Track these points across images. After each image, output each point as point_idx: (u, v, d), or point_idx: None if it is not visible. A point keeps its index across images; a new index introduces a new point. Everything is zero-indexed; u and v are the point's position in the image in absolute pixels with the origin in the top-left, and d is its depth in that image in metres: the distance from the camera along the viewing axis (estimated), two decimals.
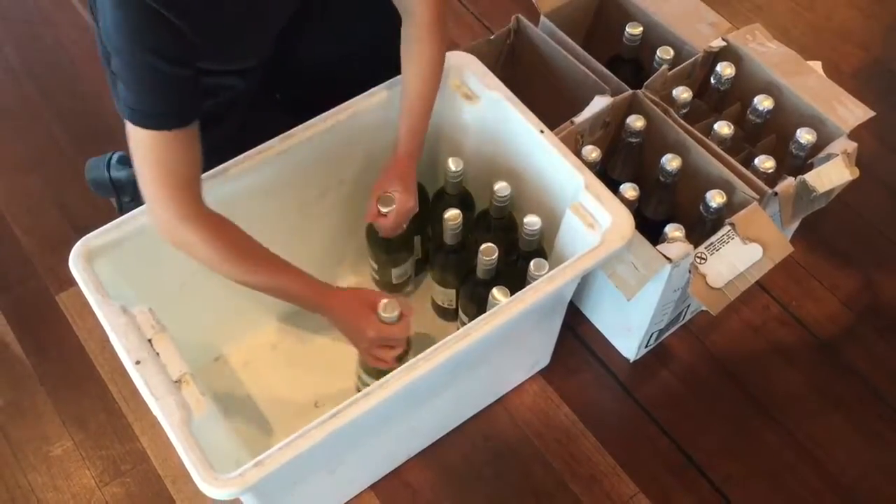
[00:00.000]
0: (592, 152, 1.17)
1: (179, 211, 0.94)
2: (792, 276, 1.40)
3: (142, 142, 0.91)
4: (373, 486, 1.21)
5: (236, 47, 1.07)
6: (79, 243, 1.00)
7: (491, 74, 1.14)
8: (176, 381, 0.92)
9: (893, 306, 1.39)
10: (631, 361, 1.32)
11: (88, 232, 1.44)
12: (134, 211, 1.03)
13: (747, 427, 1.28)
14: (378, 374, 1.04)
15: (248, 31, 1.05)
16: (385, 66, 1.13)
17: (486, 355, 1.09)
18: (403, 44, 1.09)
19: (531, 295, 0.97)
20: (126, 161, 1.39)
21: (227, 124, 1.18)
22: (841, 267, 1.43)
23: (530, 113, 1.11)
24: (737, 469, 1.24)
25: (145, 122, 0.90)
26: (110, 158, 1.39)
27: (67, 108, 1.63)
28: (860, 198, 1.41)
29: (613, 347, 1.33)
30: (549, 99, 1.26)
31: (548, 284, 0.98)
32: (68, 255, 1.42)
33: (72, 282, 1.38)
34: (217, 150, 1.08)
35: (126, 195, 1.40)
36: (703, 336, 1.35)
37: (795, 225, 1.30)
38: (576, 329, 1.35)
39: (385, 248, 1.21)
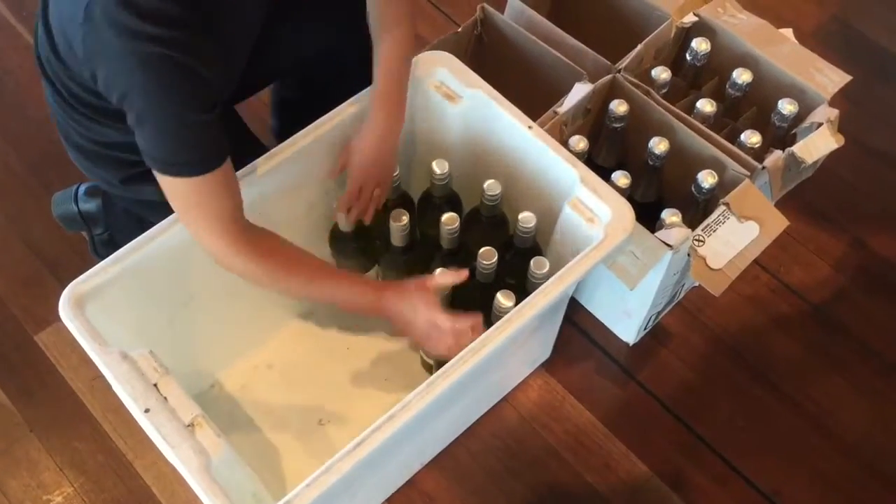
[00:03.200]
0: (580, 142, 1.16)
1: (230, 248, 0.93)
2: (778, 244, 1.39)
3: (180, 190, 0.90)
4: (389, 500, 1.19)
5: (234, 69, 1.04)
6: (66, 291, 0.95)
7: (470, 72, 1.12)
8: (188, 426, 0.89)
9: (879, 264, 1.41)
10: (630, 345, 1.32)
11: (59, 265, 1.41)
12: (117, 253, 0.99)
13: (750, 397, 1.29)
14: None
15: (241, 49, 1.02)
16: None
17: (498, 361, 1.07)
18: (372, 12, 1.05)
19: (542, 298, 0.96)
20: (94, 192, 1.33)
21: None
22: (825, 230, 1.44)
23: (516, 109, 1.09)
24: (745, 441, 1.26)
25: (183, 171, 0.88)
26: (77, 190, 1.34)
27: (19, 135, 1.56)
28: (836, 158, 1.41)
29: (612, 333, 1.33)
30: (522, 88, 1.23)
31: (558, 285, 0.97)
32: (42, 292, 1.39)
33: (49, 320, 1.35)
34: None
35: (98, 227, 1.34)
36: (697, 312, 1.36)
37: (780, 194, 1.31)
38: (572, 318, 1.34)
39: (402, 266, 1.18)
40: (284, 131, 1.14)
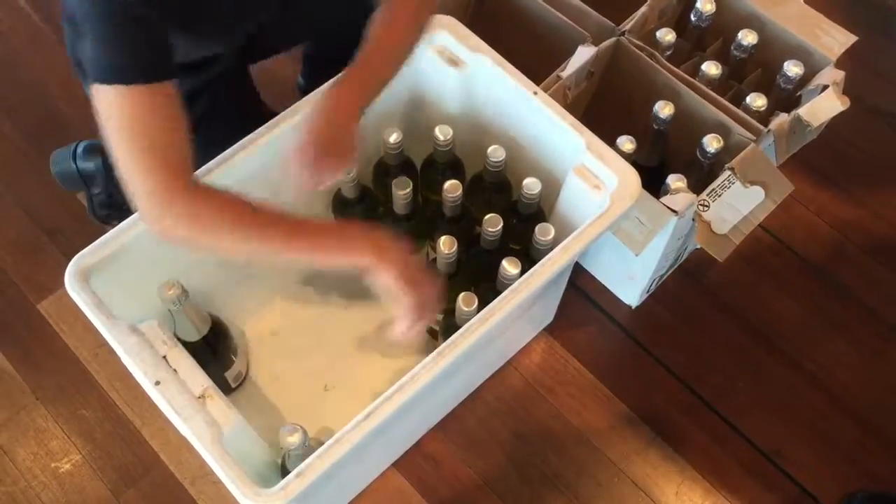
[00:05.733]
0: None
1: (167, 188, 0.82)
2: (780, 205, 1.39)
3: (113, 105, 0.81)
4: (395, 464, 1.21)
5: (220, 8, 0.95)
6: (72, 264, 0.95)
7: (475, 36, 1.10)
8: (199, 398, 0.89)
9: (879, 225, 1.41)
10: (633, 308, 1.33)
11: (57, 232, 1.40)
12: (121, 224, 0.98)
13: (752, 359, 1.30)
14: (445, 310, 1.04)
15: None
16: None
17: (504, 328, 1.08)
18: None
19: (548, 267, 0.96)
20: (93, 150, 1.33)
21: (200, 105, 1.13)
22: (825, 190, 1.44)
23: (521, 74, 1.07)
24: (746, 401, 1.27)
25: (115, 76, 0.79)
26: (76, 148, 1.33)
27: (14, 101, 1.54)
28: (839, 118, 1.41)
29: (614, 296, 1.34)
30: (524, 50, 1.22)
31: (564, 254, 0.97)
32: (42, 260, 1.38)
33: (51, 289, 1.35)
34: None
35: (95, 187, 1.34)
36: (699, 274, 1.36)
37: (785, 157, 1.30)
38: (575, 281, 1.34)
39: (404, 233, 1.17)
40: (311, 90, 1.10)
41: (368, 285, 0.91)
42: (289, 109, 1.06)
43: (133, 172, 0.83)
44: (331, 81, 0.99)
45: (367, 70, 0.98)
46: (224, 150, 1.02)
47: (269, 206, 0.89)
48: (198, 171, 1.00)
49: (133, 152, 0.82)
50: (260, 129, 1.04)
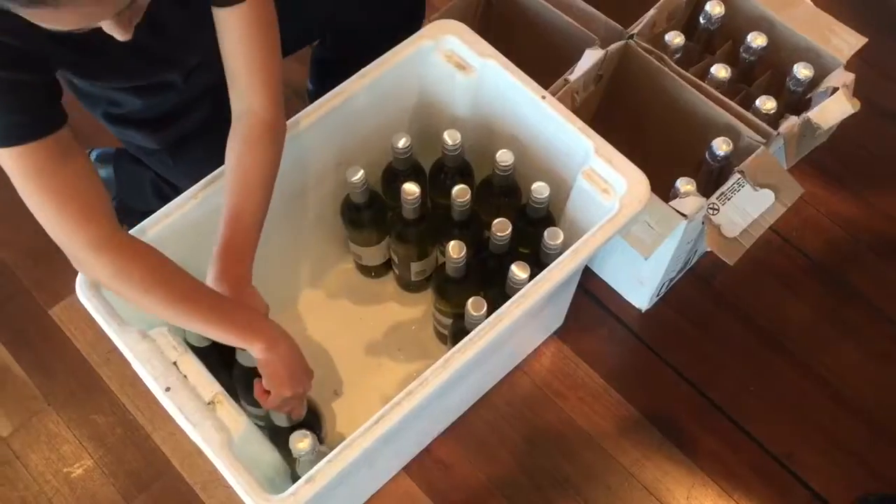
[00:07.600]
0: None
1: (93, 237, 0.84)
2: (791, 207, 1.38)
3: (13, 166, 0.80)
4: (405, 469, 1.21)
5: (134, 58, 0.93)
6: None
7: (483, 41, 1.10)
8: (209, 403, 0.89)
9: (890, 226, 1.41)
10: (643, 312, 1.33)
11: None
12: (131, 232, 0.98)
13: (763, 363, 1.30)
14: (455, 315, 1.07)
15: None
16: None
17: (513, 333, 1.08)
18: (231, 149, 0.94)
19: (557, 272, 0.96)
20: (107, 158, 1.33)
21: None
22: (835, 192, 1.43)
23: (529, 79, 1.07)
24: (757, 406, 1.26)
25: (13, 138, 0.78)
26: (89, 155, 1.34)
27: None
28: (849, 120, 1.40)
29: (624, 300, 1.33)
30: (532, 53, 1.22)
31: (573, 258, 0.96)
32: (54, 266, 1.39)
33: (63, 294, 1.35)
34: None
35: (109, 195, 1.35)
36: (710, 277, 1.36)
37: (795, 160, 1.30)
38: (585, 285, 1.34)
39: (413, 237, 1.18)
40: (321, 94, 1.09)
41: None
42: (295, 117, 1.05)
43: (60, 229, 0.84)
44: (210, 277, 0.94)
45: (245, 248, 0.96)
46: (203, 174, 1.01)
47: (187, 274, 0.90)
48: (171, 203, 1.00)
49: (54, 210, 0.83)
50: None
